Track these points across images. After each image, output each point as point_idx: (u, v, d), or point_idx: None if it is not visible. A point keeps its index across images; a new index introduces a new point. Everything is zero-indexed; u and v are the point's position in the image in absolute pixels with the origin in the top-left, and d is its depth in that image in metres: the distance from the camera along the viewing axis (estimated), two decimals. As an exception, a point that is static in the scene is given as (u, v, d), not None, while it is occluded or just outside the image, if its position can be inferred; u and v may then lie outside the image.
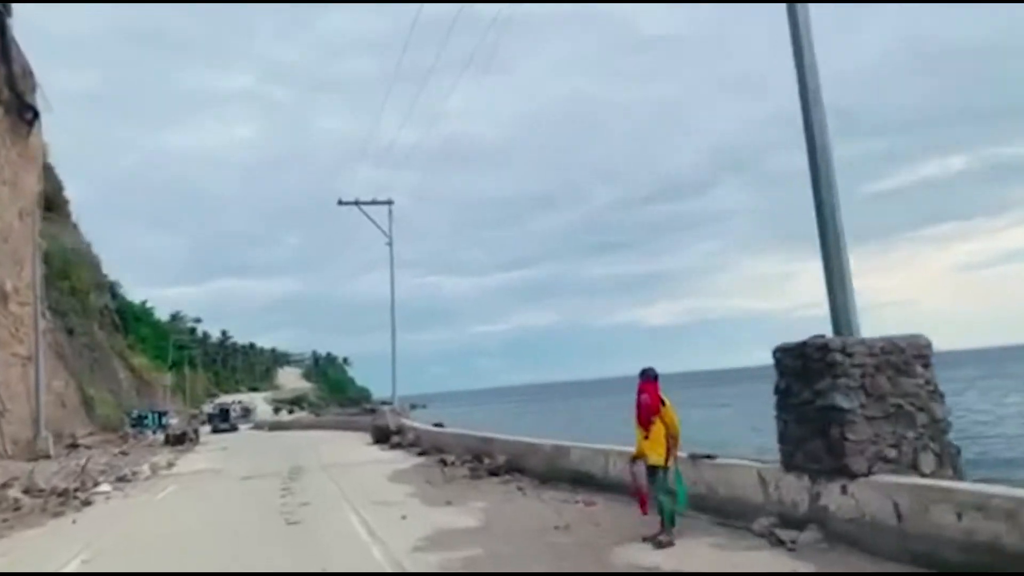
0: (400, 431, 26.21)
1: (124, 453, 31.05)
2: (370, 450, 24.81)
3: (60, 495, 17.29)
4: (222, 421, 60.56)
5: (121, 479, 20.51)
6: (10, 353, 32.23)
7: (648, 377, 8.59)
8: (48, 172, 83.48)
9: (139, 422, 53.30)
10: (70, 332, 70.15)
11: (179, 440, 35.45)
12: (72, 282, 74.82)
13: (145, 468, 21.64)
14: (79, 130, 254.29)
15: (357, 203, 33.88)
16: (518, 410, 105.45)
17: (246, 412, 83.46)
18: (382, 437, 26.61)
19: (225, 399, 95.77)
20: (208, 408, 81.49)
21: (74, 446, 35.20)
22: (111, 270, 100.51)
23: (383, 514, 11.48)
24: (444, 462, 18.07)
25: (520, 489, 13.24)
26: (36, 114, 35.78)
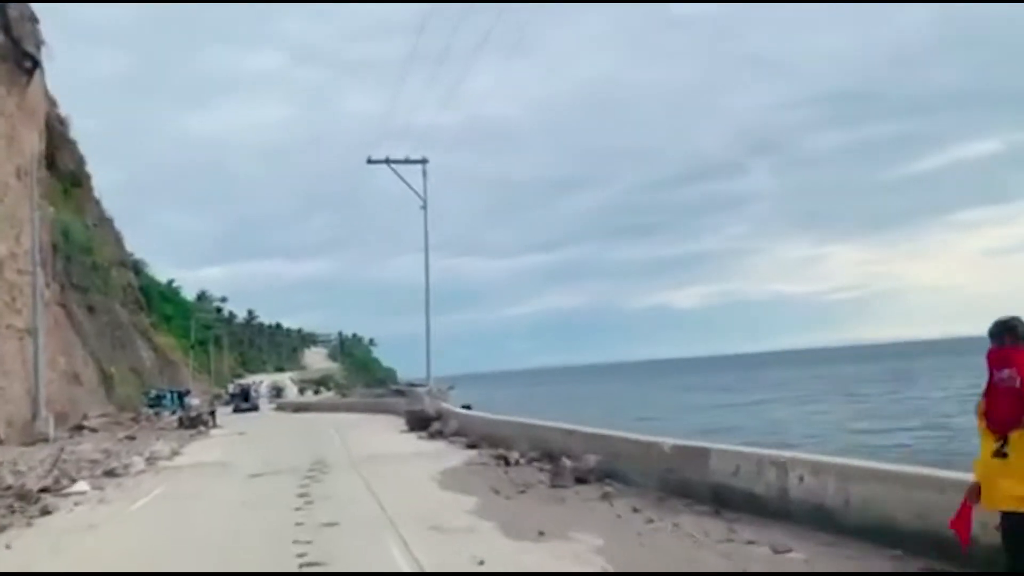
0: (440, 417, 22.13)
1: (131, 438, 27.29)
2: (406, 439, 20.72)
3: (21, 497, 13.36)
4: (243, 401, 57.89)
5: (108, 473, 16.60)
6: (4, 325, 28.52)
7: (1012, 338, 4.25)
8: (71, 147, 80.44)
9: (157, 402, 49.80)
10: (91, 309, 66.97)
11: (193, 423, 31.68)
12: (94, 258, 71.63)
13: (140, 460, 17.67)
14: (110, 113, 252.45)
15: (388, 161, 29.76)
16: (550, 391, 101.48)
17: (278, 392, 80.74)
18: (419, 424, 22.54)
19: (250, 379, 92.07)
20: (230, 388, 77.85)
21: (80, 428, 31.57)
22: (136, 248, 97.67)
23: (447, 553, 7.35)
24: (506, 460, 13.91)
25: (637, 511, 9.02)
26: (36, 63, 31.94)
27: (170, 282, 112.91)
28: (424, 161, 29.45)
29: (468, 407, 28.43)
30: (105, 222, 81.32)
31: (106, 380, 55.07)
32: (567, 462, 11.54)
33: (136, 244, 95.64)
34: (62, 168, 75.33)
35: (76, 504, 12.59)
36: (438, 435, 20.29)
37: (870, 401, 58.40)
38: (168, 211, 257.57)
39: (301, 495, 11.68)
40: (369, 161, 29.47)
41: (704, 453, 9.24)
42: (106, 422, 33.54)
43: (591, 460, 11.31)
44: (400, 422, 26.28)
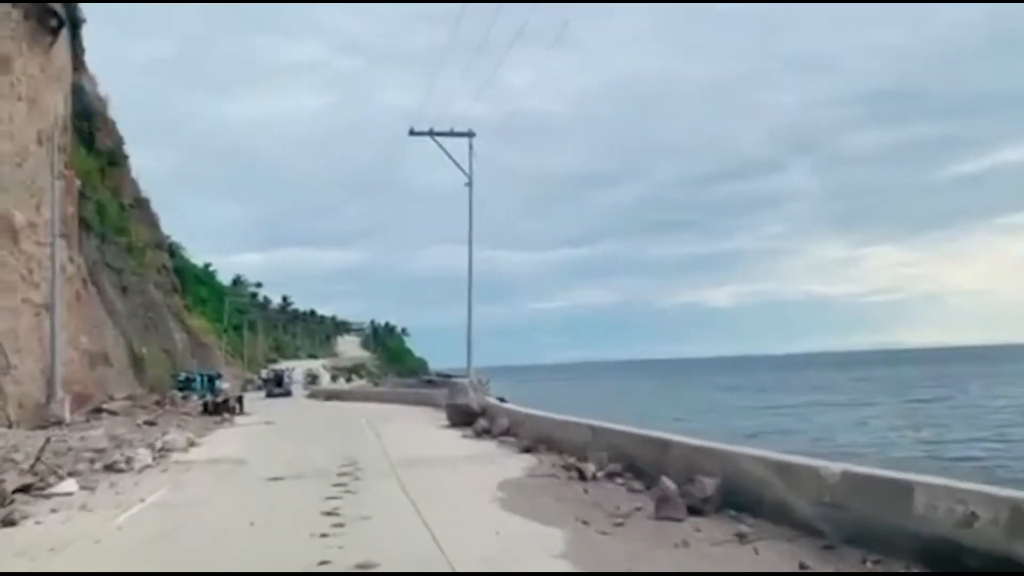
0: (485, 412, 19.42)
1: (150, 423, 24.96)
2: (450, 437, 18.00)
3: (-9, 498, 10.90)
4: (276, 386, 58.00)
5: (109, 468, 14.12)
6: (20, 299, 26.34)
7: None
8: (110, 126, 79.05)
9: (186, 385, 47.79)
10: (124, 289, 65.46)
11: (218, 409, 29.34)
12: (129, 239, 70.15)
13: (147, 453, 15.15)
14: (152, 99, 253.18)
15: (432, 133, 27.05)
16: (580, 387, 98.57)
17: (313, 379, 78.57)
18: (462, 419, 19.83)
19: (284, 365, 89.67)
20: (264, 373, 76.12)
21: (99, 411, 29.39)
22: (175, 233, 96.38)
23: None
24: (580, 473, 11.11)
25: (806, 569, 6.19)
26: (61, 22, 29.72)
27: (206, 266, 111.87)
28: (471, 134, 26.70)
29: (503, 400, 28.31)
30: (141, 203, 79.92)
31: (136, 361, 53.32)
32: (669, 484, 8.69)
33: (175, 229, 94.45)
34: (100, 147, 74.10)
35: (52, 511, 10.04)
36: (485, 434, 17.55)
37: (924, 408, 54.78)
38: (207, 197, 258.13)
39: (328, 512, 8.98)
40: (412, 133, 26.80)
41: (902, 488, 6.34)
42: (129, 405, 31.34)
43: (707, 485, 8.44)
44: (439, 416, 23.65)
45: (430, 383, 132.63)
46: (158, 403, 33.41)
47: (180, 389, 46.83)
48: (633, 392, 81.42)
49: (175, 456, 16.07)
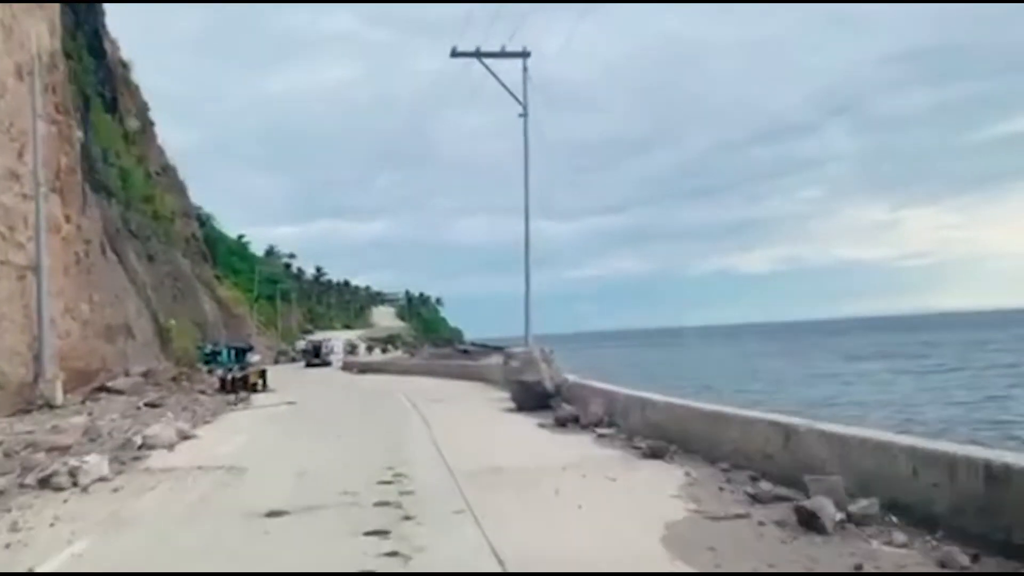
0: (560, 392, 14.46)
1: (153, 405, 20.47)
2: (525, 429, 12.86)
3: None
4: (314, 356, 58.73)
5: (44, 483, 9.43)
6: (-1, 260, 21.88)
7: None
8: (134, 91, 74.73)
9: (212, 358, 43.50)
10: (150, 258, 61.59)
11: (236, 386, 24.80)
12: (155, 207, 66.17)
13: (100, 460, 10.35)
14: (186, 73, 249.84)
15: (479, 54, 21.85)
16: (621, 355, 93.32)
17: (352, 349, 75.30)
18: (532, 401, 14.86)
19: (321, 336, 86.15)
20: (302, 344, 73.38)
21: (101, 390, 25.04)
22: (207, 204, 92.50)
23: None
24: (806, 517, 6.08)
25: None
26: (42, -64, 24.87)
27: (240, 237, 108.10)
28: (525, 54, 21.44)
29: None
30: (168, 171, 75.85)
31: (162, 333, 49.30)
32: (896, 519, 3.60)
33: (209, 202, 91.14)
34: (124, 113, 69.80)
35: None
36: (571, 423, 12.53)
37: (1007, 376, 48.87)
38: (242, 171, 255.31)
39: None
40: (455, 54, 21.63)
41: None
42: (139, 382, 26.93)
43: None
44: (495, 394, 18.82)
45: (464, 352, 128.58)
46: (174, 379, 29.00)
47: (206, 362, 42.58)
48: (679, 362, 76.02)
49: (151, 459, 11.33)
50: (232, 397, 22.88)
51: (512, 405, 15.74)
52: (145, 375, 31.07)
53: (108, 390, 24.79)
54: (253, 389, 25.34)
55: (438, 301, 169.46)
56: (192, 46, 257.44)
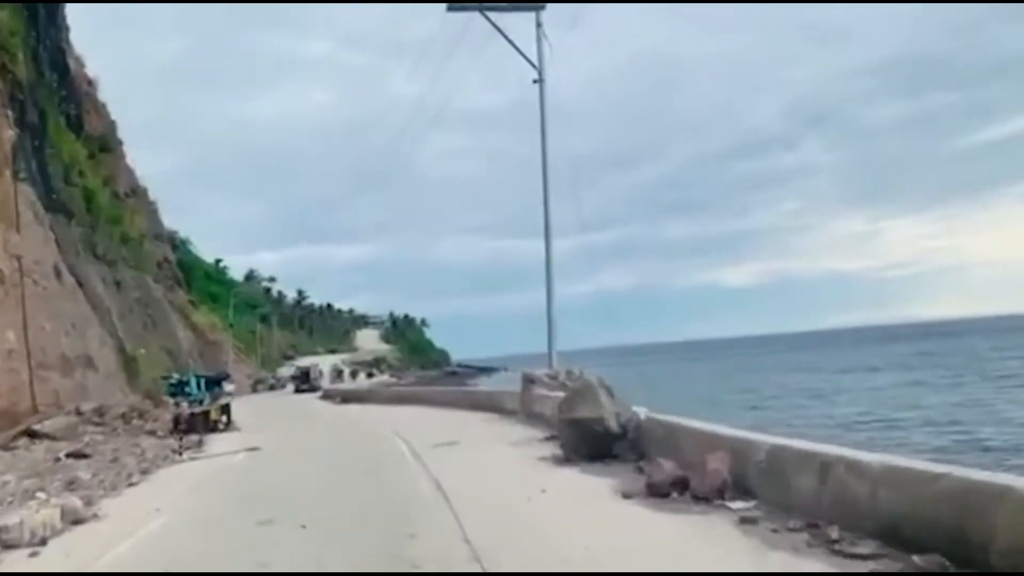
0: (627, 432, 10.07)
1: (78, 455, 15.99)
2: (602, 501, 7.98)
3: None
4: (303, 382, 58.48)
5: None
6: None
7: None
8: (101, 109, 70.09)
9: (179, 390, 38.58)
10: (118, 284, 56.75)
11: (191, 426, 20.35)
12: (124, 228, 61.36)
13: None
14: (164, 99, 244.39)
15: (480, 6, 17.71)
16: (617, 373, 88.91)
17: (339, 374, 72.54)
18: (590, 446, 10.29)
19: (309, 361, 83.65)
20: (289, 371, 71.41)
21: (27, 435, 20.38)
22: (186, 230, 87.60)
23: None
24: None
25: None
26: None
27: (217, 262, 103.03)
28: (539, 5, 17.35)
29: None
30: (139, 192, 71.12)
31: (129, 364, 44.42)
32: None
33: (188, 229, 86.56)
34: (90, 131, 65.15)
35: None
36: (675, 490, 8.03)
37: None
38: (222, 196, 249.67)
39: None
40: (451, 8, 17.50)
41: None
42: (74, 424, 22.30)
43: None
44: (517, 430, 14.54)
45: (453, 375, 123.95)
46: (124, 416, 24.35)
47: (172, 395, 37.80)
48: (694, 379, 71.56)
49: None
50: (186, 440, 18.36)
51: (549, 451, 11.39)
52: (97, 411, 26.41)
53: (35, 434, 20.17)
54: (213, 428, 20.90)
55: (423, 322, 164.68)
56: (169, 72, 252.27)
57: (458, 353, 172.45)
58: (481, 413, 19.37)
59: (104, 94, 70.81)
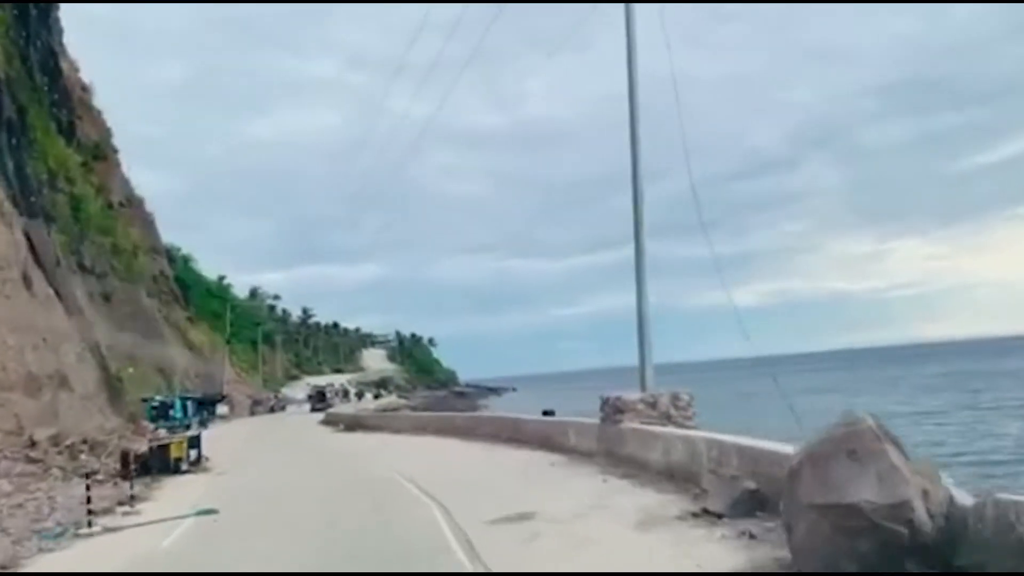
0: (952, 529, 4.64)
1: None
2: None
3: None
4: (319, 401, 58.88)
5: None
6: None
7: None
8: (95, 116, 65.27)
9: (162, 413, 33.41)
10: (106, 297, 51.50)
11: (145, 467, 14.93)
12: (115, 239, 56.20)
13: None
14: (169, 120, 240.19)
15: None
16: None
17: (346, 394, 72.74)
18: (856, 556, 4.83)
19: (325, 381, 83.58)
20: (307, 391, 70.74)
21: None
22: (186, 246, 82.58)
23: None
24: None
25: None
26: None
27: (220, 279, 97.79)
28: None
29: (551, 413, 18.78)
30: (135, 202, 66.13)
31: (112, 383, 39.01)
32: None
33: (194, 248, 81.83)
34: (83, 138, 60.33)
35: None
36: None
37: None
38: (227, 216, 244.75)
39: None
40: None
41: None
42: (15, 459, 17.04)
43: None
44: (619, 488, 9.20)
45: (461, 395, 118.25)
46: (69, 448, 19.01)
47: (153, 419, 32.48)
48: (732, 403, 65.59)
49: None
50: (131, 491, 12.89)
51: (739, 552, 5.92)
52: (53, 440, 21.12)
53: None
54: (175, 468, 15.50)
55: (431, 341, 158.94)
56: (176, 92, 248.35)
57: (463, 373, 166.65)
58: (536, 452, 13.91)
59: (100, 101, 66.27)
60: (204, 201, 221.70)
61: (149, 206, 68.83)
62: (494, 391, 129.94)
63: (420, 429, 22.54)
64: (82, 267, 48.74)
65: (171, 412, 33.36)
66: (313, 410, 54.42)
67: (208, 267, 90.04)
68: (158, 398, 34.75)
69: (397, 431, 24.00)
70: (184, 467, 15.56)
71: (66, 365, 35.83)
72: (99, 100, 64.51)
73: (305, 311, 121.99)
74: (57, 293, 38.54)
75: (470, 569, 6.30)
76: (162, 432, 27.85)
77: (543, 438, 14.65)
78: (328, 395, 63.31)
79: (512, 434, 16.62)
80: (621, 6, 12.51)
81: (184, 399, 35.98)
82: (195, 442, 16.80)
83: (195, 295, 76.93)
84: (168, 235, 75.39)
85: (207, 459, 17.47)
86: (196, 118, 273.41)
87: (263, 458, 18.47)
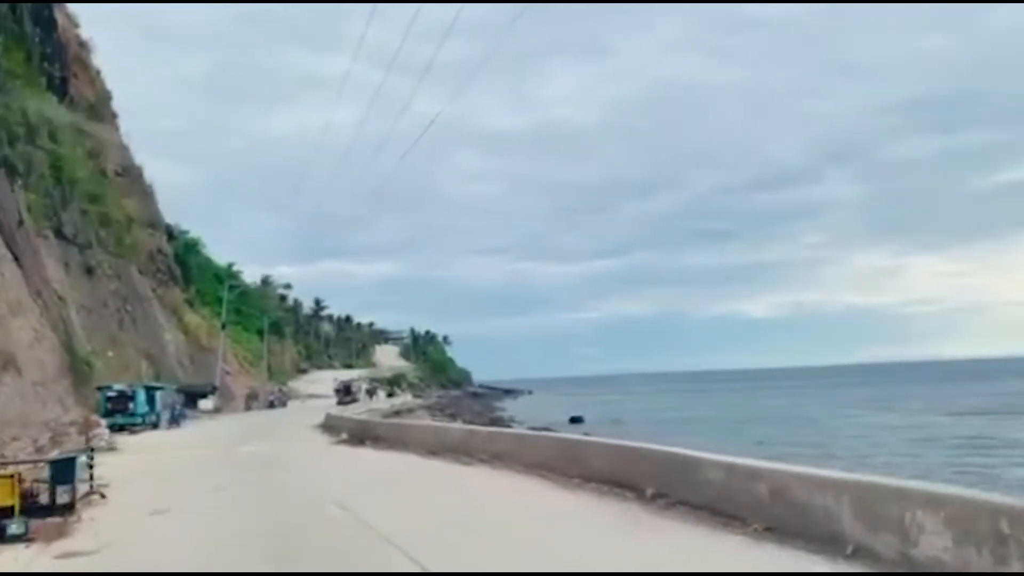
0: None
1: None
2: None
3: None
4: (345, 395, 58.32)
5: None
6: None
7: None
8: (92, 75, 58.31)
9: (120, 406, 25.71)
10: (89, 270, 44.02)
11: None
12: (106, 209, 48.61)
13: None
14: (190, 114, 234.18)
15: None
16: (651, 404, 75.12)
17: (371, 392, 69.25)
18: None
19: (349, 375, 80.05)
20: (334, 384, 67.55)
21: None
22: (207, 242, 75.37)
23: None
24: None
25: None
26: None
27: (230, 265, 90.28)
28: None
29: (579, 420, 12.00)
30: (132, 172, 58.85)
31: (77, 368, 31.41)
32: None
33: (209, 240, 74.67)
34: (76, 97, 52.90)
35: None
36: None
37: None
38: (245, 211, 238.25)
39: None
40: None
41: None
42: None
43: None
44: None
45: (476, 396, 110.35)
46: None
47: (107, 414, 24.72)
48: (734, 414, 57.68)
49: None
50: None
51: None
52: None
53: None
54: (71, 504, 7.73)
55: (445, 340, 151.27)
56: (197, 86, 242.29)
57: (482, 373, 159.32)
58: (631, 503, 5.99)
59: (100, 60, 59.27)
60: (222, 194, 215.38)
61: (162, 197, 61.71)
62: (509, 393, 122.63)
63: (462, 451, 14.15)
64: (60, 234, 41.48)
65: (131, 405, 25.59)
66: (340, 404, 52.99)
67: (222, 258, 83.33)
68: (116, 387, 26.94)
69: (429, 454, 15.46)
70: (18, 529, 7.50)
71: (15, 344, 28.40)
72: (100, 60, 57.56)
73: (318, 302, 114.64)
74: (16, 258, 31.06)
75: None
76: (105, 433, 20.16)
77: (585, 456, 6.70)
78: (353, 389, 62.89)
79: (610, 474, 8.02)
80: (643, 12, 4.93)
81: (150, 389, 28.17)
82: (65, 472, 8.64)
83: (201, 279, 69.60)
84: (184, 226, 69.10)
85: (100, 496, 9.74)
86: (213, 111, 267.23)
87: (196, 502, 10.51)
